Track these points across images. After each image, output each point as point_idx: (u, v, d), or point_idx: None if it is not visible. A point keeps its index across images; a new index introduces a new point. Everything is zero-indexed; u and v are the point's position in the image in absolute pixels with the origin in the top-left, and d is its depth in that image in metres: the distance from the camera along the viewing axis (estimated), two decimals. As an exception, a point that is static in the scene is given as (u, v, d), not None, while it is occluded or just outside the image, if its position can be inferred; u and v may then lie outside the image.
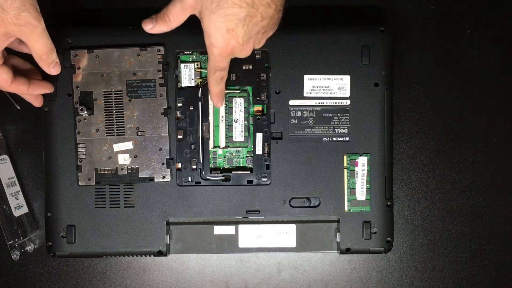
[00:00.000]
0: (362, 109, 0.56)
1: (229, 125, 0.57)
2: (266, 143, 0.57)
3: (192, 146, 0.57)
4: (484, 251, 0.63)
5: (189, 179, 0.57)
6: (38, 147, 0.62)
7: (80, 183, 0.56)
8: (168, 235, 0.56)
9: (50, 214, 0.56)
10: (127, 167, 0.56)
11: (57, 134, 0.56)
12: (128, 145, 0.56)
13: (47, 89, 0.55)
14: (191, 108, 0.56)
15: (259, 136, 0.56)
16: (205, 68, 0.57)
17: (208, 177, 0.57)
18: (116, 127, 0.56)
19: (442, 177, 0.63)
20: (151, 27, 0.49)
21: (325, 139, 0.57)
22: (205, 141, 0.57)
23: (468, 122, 0.63)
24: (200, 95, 0.56)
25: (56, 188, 0.56)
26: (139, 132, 0.56)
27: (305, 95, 0.56)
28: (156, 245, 0.56)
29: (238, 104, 0.57)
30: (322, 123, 0.57)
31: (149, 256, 0.57)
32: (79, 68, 0.56)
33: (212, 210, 0.56)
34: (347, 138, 0.57)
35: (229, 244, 0.57)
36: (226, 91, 0.56)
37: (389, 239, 0.57)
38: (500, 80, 0.63)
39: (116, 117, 0.56)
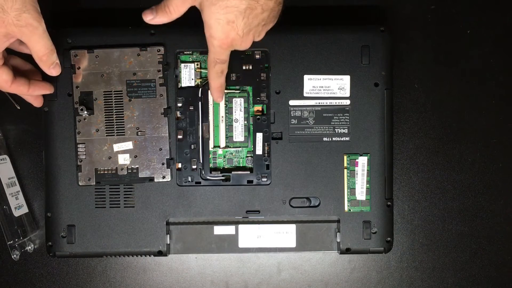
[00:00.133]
0: (362, 109, 0.56)
1: (229, 125, 0.57)
2: (266, 143, 0.57)
3: (192, 146, 0.57)
4: (484, 251, 0.63)
5: (189, 179, 0.57)
6: (38, 147, 0.62)
7: (80, 183, 0.56)
8: (168, 235, 0.57)
9: (50, 214, 0.56)
10: (127, 167, 0.56)
11: (57, 134, 0.56)
12: (128, 145, 0.56)
13: (47, 89, 0.55)
14: (191, 108, 0.56)
15: (259, 136, 0.56)
16: (205, 68, 0.57)
17: (208, 177, 0.57)
18: (116, 127, 0.56)
19: (442, 177, 0.63)
20: (151, 18, 0.49)
21: (325, 139, 0.57)
22: (205, 141, 0.57)
23: (468, 122, 0.63)
24: (200, 95, 0.56)
25: (56, 188, 0.56)
26: (139, 132, 0.56)
27: (305, 95, 0.56)
28: (156, 245, 0.56)
29: (238, 104, 0.57)
30: (322, 123, 0.57)
31: (149, 256, 0.57)
32: (79, 68, 0.56)
33: (212, 210, 0.56)
34: (347, 138, 0.57)
35: (229, 244, 0.57)
36: (226, 91, 0.56)
37: (389, 239, 0.57)
38: (500, 80, 0.63)
39: (116, 117, 0.56)
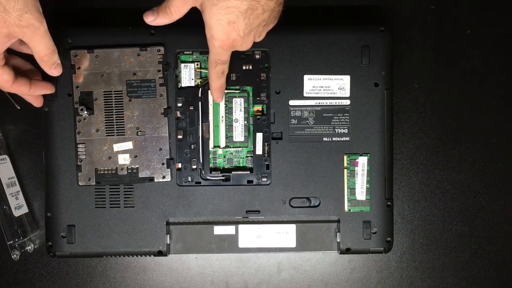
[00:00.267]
0: (362, 109, 0.56)
1: (229, 125, 0.57)
2: (266, 143, 0.57)
3: (192, 146, 0.57)
4: (484, 251, 0.63)
5: (189, 179, 0.57)
6: (38, 147, 0.62)
7: (80, 183, 0.56)
8: (168, 235, 0.57)
9: (50, 214, 0.56)
10: (127, 167, 0.56)
11: (57, 134, 0.56)
12: (128, 145, 0.56)
13: (48, 89, 0.55)
14: (191, 108, 0.56)
15: (259, 136, 0.56)
16: (205, 68, 0.57)
17: (208, 177, 0.57)
18: (116, 127, 0.56)
19: (442, 177, 0.63)
20: (152, 19, 0.49)
21: (325, 139, 0.57)
22: (205, 141, 0.57)
23: (468, 122, 0.63)
24: (200, 95, 0.56)
25: (56, 188, 0.56)
26: (139, 132, 0.56)
27: (305, 95, 0.56)
28: (156, 245, 0.56)
29: (238, 104, 0.57)
30: (322, 123, 0.57)
31: (149, 256, 0.57)
32: (79, 68, 0.56)
33: (212, 210, 0.56)
34: (347, 138, 0.57)
35: (229, 244, 0.57)
36: (226, 91, 0.56)
37: (389, 239, 0.57)
38: (500, 80, 0.63)
39: (116, 117, 0.56)
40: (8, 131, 0.62)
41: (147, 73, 0.56)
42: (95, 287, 0.63)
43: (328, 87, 0.56)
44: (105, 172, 0.56)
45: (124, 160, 0.56)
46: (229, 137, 0.57)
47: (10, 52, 0.53)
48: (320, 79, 0.56)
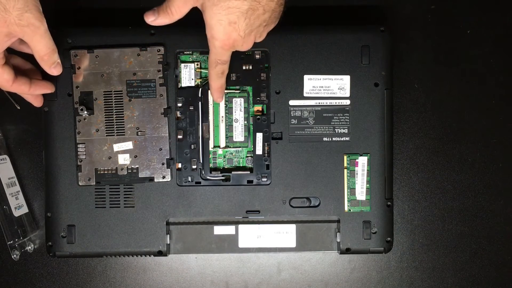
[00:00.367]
0: (362, 109, 0.56)
1: (229, 125, 0.57)
2: (266, 143, 0.57)
3: (192, 146, 0.57)
4: (484, 251, 0.63)
5: (189, 179, 0.57)
6: (38, 147, 0.62)
7: (80, 183, 0.56)
8: (168, 235, 0.57)
9: (50, 214, 0.56)
10: (127, 167, 0.56)
11: (57, 134, 0.56)
12: (128, 145, 0.56)
13: (48, 88, 0.55)
14: (191, 108, 0.56)
15: (259, 136, 0.56)
16: (205, 68, 0.57)
17: (208, 177, 0.57)
18: (116, 127, 0.56)
19: (442, 177, 0.63)
20: (153, 19, 0.49)
21: (325, 139, 0.57)
22: (205, 141, 0.57)
23: (468, 122, 0.63)
24: (200, 95, 0.56)
25: (56, 188, 0.56)
26: (139, 132, 0.56)
27: (305, 95, 0.56)
28: (156, 245, 0.56)
29: (238, 104, 0.57)
30: (322, 123, 0.57)
31: (149, 256, 0.57)
32: (79, 68, 0.56)
33: (212, 210, 0.56)
34: (347, 138, 0.57)
35: (229, 244, 0.57)
36: (226, 91, 0.56)
37: (389, 239, 0.57)
38: (500, 80, 0.63)
39: (116, 117, 0.56)
40: (8, 131, 0.62)
41: (147, 73, 0.56)
42: (95, 287, 0.63)
43: (328, 87, 0.56)
44: (105, 172, 0.56)
45: (124, 160, 0.56)
46: (229, 137, 0.57)
47: (10, 51, 0.53)
48: (320, 79, 0.56)
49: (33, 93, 0.54)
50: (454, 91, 0.63)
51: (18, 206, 0.61)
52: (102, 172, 0.56)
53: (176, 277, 0.63)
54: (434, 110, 0.62)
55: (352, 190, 0.56)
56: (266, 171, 0.57)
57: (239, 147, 0.57)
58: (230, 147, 0.57)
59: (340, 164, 0.56)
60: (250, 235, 0.57)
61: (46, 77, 0.55)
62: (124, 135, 0.56)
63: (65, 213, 0.56)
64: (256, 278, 0.63)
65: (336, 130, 0.57)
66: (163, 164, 0.56)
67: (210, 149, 0.57)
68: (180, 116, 0.57)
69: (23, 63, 0.55)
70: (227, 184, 0.57)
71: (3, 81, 0.51)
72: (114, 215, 0.56)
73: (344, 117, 0.57)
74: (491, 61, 0.62)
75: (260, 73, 0.57)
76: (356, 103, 0.56)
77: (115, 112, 0.56)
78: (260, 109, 0.57)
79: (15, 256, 0.60)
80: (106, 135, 0.56)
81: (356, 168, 0.56)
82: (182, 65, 0.57)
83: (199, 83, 0.57)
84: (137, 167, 0.56)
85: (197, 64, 0.57)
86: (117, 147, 0.56)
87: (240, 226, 0.57)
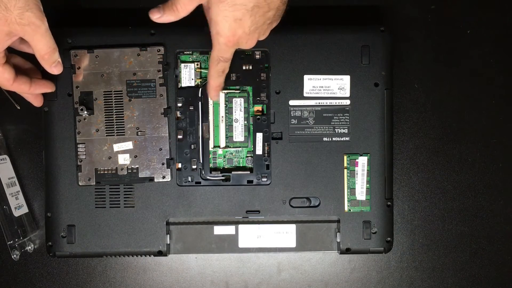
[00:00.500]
0: (362, 109, 0.56)
1: (229, 125, 0.57)
2: (266, 143, 0.57)
3: (192, 146, 0.57)
4: (484, 251, 0.63)
5: (189, 179, 0.57)
6: (38, 147, 0.62)
7: (80, 183, 0.56)
8: (168, 235, 0.57)
9: (50, 214, 0.56)
10: (127, 167, 0.56)
11: (57, 134, 0.56)
12: (128, 145, 0.56)
13: (48, 88, 0.55)
14: (191, 108, 0.56)
15: (259, 136, 0.57)
16: (205, 68, 0.57)
17: (208, 177, 0.57)
18: (116, 127, 0.56)
19: (442, 177, 0.63)
20: (158, 16, 0.49)
21: (325, 139, 0.57)
22: (205, 141, 0.57)
23: (468, 122, 0.63)
24: (200, 95, 0.56)
25: (56, 188, 0.56)
26: (139, 132, 0.56)
27: (305, 95, 0.56)
28: (156, 245, 0.56)
29: (238, 104, 0.57)
30: (322, 123, 0.57)
31: (149, 256, 0.57)
32: (79, 68, 0.56)
33: (212, 210, 0.56)
34: (347, 138, 0.57)
35: (229, 244, 0.57)
36: (226, 91, 0.56)
37: (389, 239, 0.57)
38: (500, 80, 0.63)
39: (116, 117, 0.56)
40: (8, 131, 0.62)
41: (147, 73, 0.56)
42: (95, 287, 0.63)
43: (328, 87, 0.56)
44: (105, 172, 0.56)
45: (124, 160, 0.56)
46: (229, 137, 0.57)
47: (10, 51, 0.53)
48: (320, 79, 0.56)
49: (34, 92, 0.54)
50: (454, 91, 0.63)
51: (18, 206, 0.61)
52: (102, 172, 0.56)
53: (176, 277, 0.63)
54: (434, 110, 0.62)
55: (352, 190, 0.56)
56: (266, 171, 0.57)
57: (239, 147, 0.57)
58: (230, 147, 0.57)
59: (340, 164, 0.57)
60: (250, 235, 0.57)
61: (46, 76, 0.55)
62: (124, 135, 0.56)
63: (65, 213, 0.56)
64: (256, 278, 0.63)
65: (336, 130, 0.57)
66: (163, 164, 0.56)
67: (210, 149, 0.57)
68: (180, 116, 0.57)
69: (24, 63, 0.55)
70: (227, 184, 0.57)
71: (4, 80, 0.51)
72: (114, 215, 0.56)
73: (344, 117, 0.57)
74: (491, 61, 0.62)
75: (260, 73, 0.57)
76: (356, 103, 0.56)
77: (115, 112, 0.56)
78: (260, 109, 0.57)
79: (15, 256, 0.60)
80: (106, 135, 0.56)
81: (356, 168, 0.56)
82: (182, 65, 0.57)
83: (199, 83, 0.57)
84: (137, 167, 0.56)
85: (197, 64, 0.57)
86: (117, 147, 0.56)
87: (240, 226, 0.57)
